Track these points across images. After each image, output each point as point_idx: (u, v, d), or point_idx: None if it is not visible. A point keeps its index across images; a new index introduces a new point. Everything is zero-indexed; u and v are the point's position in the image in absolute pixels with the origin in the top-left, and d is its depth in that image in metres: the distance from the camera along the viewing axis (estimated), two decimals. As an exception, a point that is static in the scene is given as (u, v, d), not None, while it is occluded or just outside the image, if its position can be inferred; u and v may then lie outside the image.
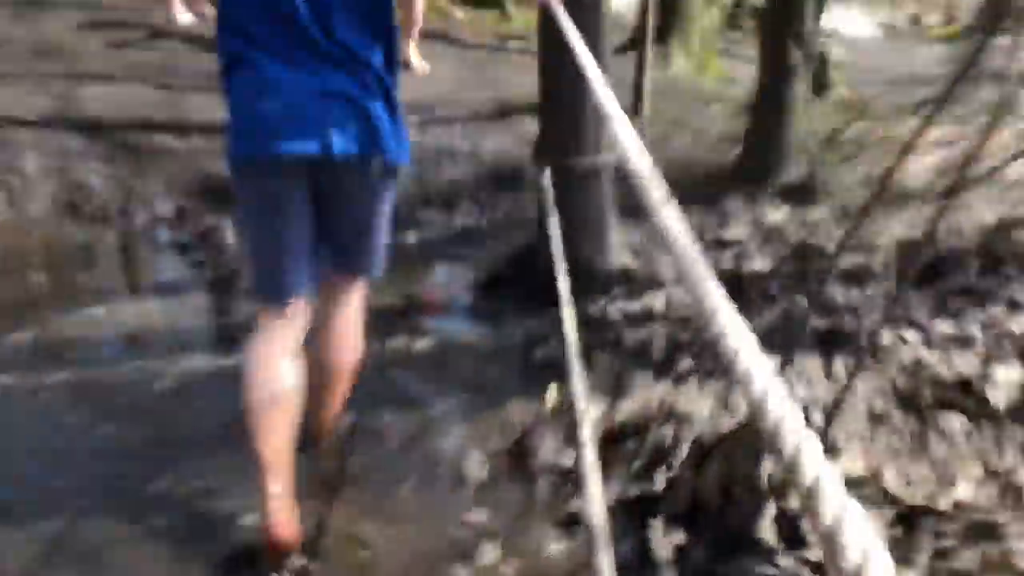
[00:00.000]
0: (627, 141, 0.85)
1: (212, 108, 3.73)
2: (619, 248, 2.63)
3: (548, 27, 2.30)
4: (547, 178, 2.36)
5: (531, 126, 3.87)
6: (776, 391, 0.48)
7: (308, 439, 1.66)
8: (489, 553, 1.56)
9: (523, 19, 7.11)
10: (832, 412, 1.76)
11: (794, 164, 3.51)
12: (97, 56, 4.18)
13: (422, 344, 2.34)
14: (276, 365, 1.54)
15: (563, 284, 1.66)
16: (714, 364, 2.00)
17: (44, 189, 3.22)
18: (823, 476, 0.42)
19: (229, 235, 3.03)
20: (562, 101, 2.40)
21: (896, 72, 6.16)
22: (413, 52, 3.85)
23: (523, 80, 3.75)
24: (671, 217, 0.68)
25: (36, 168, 3.27)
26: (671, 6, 6.01)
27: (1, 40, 4.23)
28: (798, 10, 3.37)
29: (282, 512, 1.51)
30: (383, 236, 1.67)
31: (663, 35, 5.79)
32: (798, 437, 0.45)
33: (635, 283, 2.57)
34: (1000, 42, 1.74)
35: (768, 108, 3.52)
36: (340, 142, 1.49)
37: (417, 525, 1.64)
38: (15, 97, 3.66)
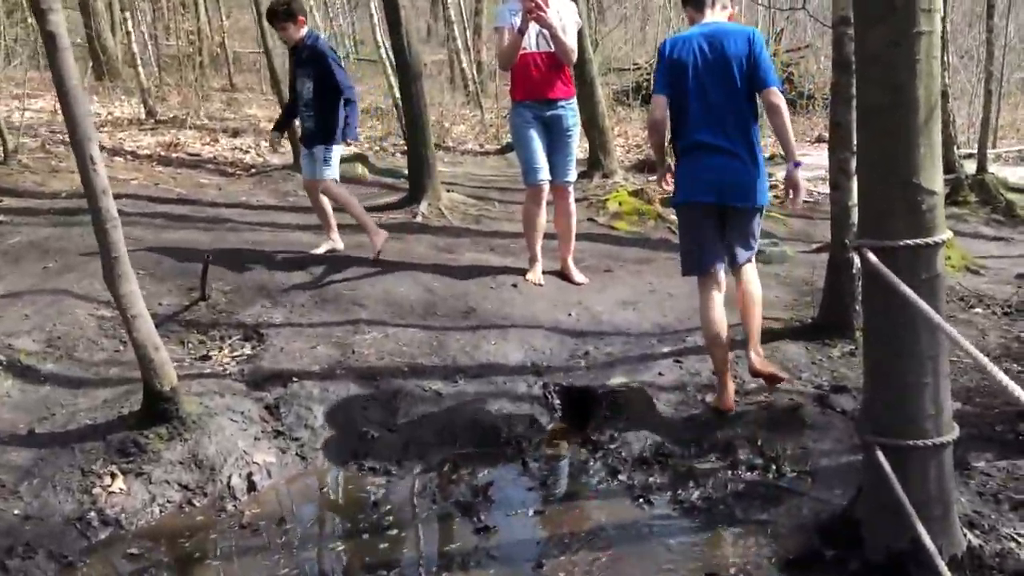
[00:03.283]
0: None
1: (473, 349, 3.87)
2: (959, 524, 2.31)
3: (873, 299, 2.17)
4: (877, 449, 2.15)
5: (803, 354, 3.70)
6: None
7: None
8: None
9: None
10: None
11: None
12: (369, 299, 4.47)
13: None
14: (713, 307, 3.25)
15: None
16: None
17: (330, 440, 3.36)
18: None
19: (508, 489, 2.99)
20: (898, 373, 2.19)
21: None
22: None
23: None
24: None
25: (322, 420, 3.45)
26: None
27: (287, 290, 4.63)
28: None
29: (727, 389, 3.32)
30: (756, 236, 3.33)
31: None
32: None
33: (985, 569, 2.22)
34: None
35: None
36: (731, 196, 3.17)
37: None
38: (302, 348, 3.95)
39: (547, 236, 4.83)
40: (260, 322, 4.26)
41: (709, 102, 3.11)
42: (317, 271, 4.88)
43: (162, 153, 8.41)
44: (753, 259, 3.36)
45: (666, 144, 3.36)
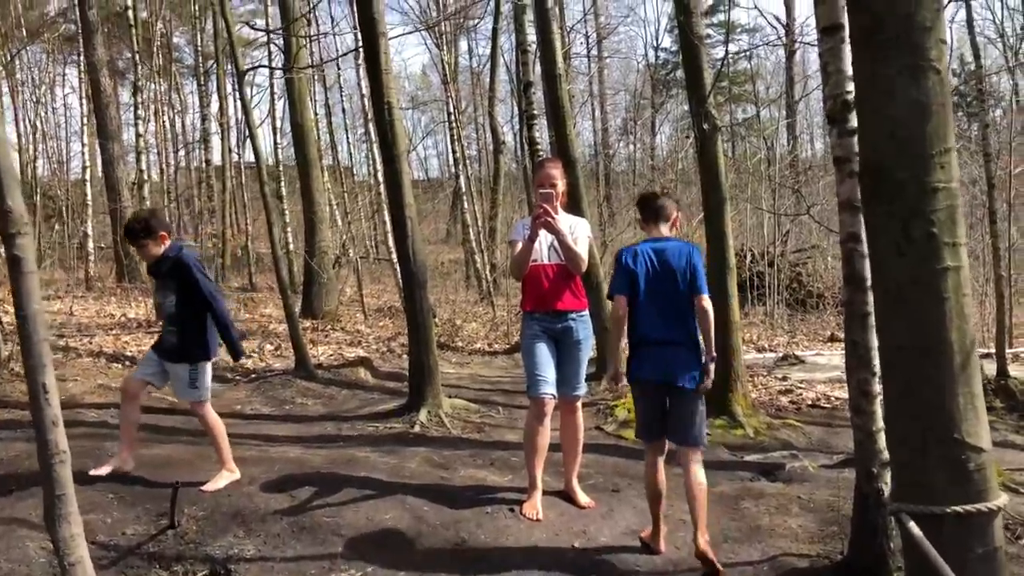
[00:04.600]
0: None
1: None
2: None
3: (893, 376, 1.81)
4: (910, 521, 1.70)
5: None
6: None
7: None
8: None
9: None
10: None
11: None
12: (350, 528, 4.07)
13: None
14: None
15: None
16: None
17: None
18: None
19: None
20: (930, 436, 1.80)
21: None
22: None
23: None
24: None
25: None
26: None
27: (263, 517, 4.25)
28: None
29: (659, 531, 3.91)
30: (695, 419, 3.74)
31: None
32: None
33: None
34: None
35: None
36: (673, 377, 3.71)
37: None
38: (268, 589, 3.52)
39: (552, 447, 4.49)
40: (230, 555, 3.85)
41: (657, 304, 3.82)
42: (299, 492, 4.51)
43: (162, 357, 8.28)
44: (698, 447, 3.81)
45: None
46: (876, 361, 3.29)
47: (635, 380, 3.90)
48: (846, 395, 8.77)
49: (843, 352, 11.67)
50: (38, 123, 22.68)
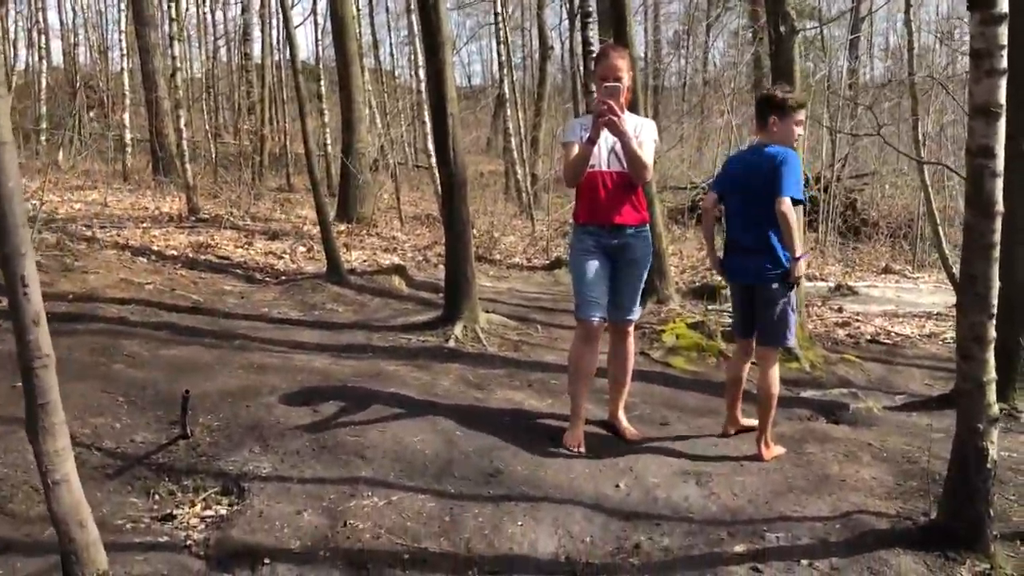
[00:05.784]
0: None
1: (493, 531, 2.99)
2: None
3: None
4: None
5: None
6: None
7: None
8: None
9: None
10: None
11: None
12: (376, 450, 3.74)
13: None
14: None
15: None
16: None
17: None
18: None
19: None
20: None
21: None
22: None
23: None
24: None
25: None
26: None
27: (282, 432, 3.94)
28: None
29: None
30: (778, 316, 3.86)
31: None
32: None
33: None
34: None
35: None
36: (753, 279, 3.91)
37: None
38: (286, 513, 3.21)
39: (598, 372, 4.09)
40: (244, 472, 3.55)
41: (740, 209, 3.93)
42: (323, 407, 4.19)
43: (190, 255, 7.98)
44: (774, 348, 4.00)
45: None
46: (995, 301, 2.80)
47: (728, 278, 4.21)
48: (906, 331, 8.32)
49: (897, 284, 11.00)
50: (78, 8, 22.12)
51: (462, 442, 3.84)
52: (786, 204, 3.67)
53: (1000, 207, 2.70)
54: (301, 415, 4.07)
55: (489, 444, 3.82)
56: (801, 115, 3.89)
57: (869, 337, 7.59)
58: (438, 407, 4.25)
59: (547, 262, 10.54)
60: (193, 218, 10.41)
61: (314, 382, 4.58)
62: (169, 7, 11.41)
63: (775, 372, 3.93)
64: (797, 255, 3.74)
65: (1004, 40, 2.61)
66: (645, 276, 4.07)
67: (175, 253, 7.92)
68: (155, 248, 7.97)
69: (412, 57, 15.88)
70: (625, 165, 3.80)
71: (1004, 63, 2.63)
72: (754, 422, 4.03)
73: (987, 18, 2.62)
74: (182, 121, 11.24)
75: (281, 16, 9.76)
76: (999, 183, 2.68)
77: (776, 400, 3.92)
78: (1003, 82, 2.63)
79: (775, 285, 3.82)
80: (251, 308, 6.44)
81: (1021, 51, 4.14)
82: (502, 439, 3.89)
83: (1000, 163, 2.67)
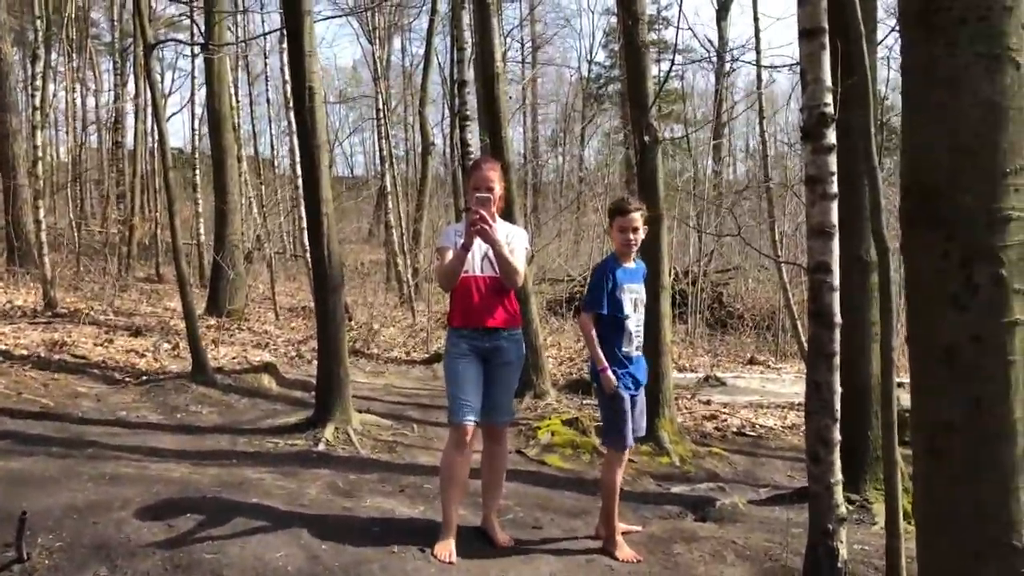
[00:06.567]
0: None
1: None
2: None
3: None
4: None
5: None
6: None
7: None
8: None
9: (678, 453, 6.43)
10: None
11: None
12: (234, 568, 3.52)
13: None
14: None
15: None
16: None
17: None
18: None
19: None
20: None
21: None
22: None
23: None
24: None
25: None
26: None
27: (133, 552, 3.67)
28: None
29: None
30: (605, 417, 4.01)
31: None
32: None
33: None
34: None
35: None
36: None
37: None
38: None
39: (473, 473, 4.03)
40: (85, 598, 3.26)
41: None
42: (179, 522, 3.93)
43: (43, 353, 7.48)
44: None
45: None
46: (839, 405, 2.97)
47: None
48: (770, 423, 8.68)
49: (762, 375, 11.49)
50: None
51: (327, 557, 3.68)
52: (581, 317, 3.87)
53: (838, 318, 2.89)
54: (155, 531, 3.80)
55: (356, 558, 3.68)
56: (627, 220, 3.87)
57: (735, 429, 7.87)
58: (304, 518, 4.07)
59: (427, 356, 10.48)
60: (49, 313, 9.82)
61: (171, 494, 4.31)
62: (33, 96, 10.97)
63: (612, 472, 3.95)
64: (599, 367, 3.80)
65: (834, 167, 2.86)
66: (517, 379, 4.10)
67: (25, 352, 7.40)
68: (2, 347, 7.43)
69: (291, 147, 15.85)
70: (497, 270, 3.88)
71: (835, 188, 2.87)
72: (629, 526, 4.08)
73: (819, 148, 2.88)
74: (41, 212, 10.69)
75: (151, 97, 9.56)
76: (836, 296, 2.89)
77: (613, 501, 3.95)
78: (835, 205, 2.88)
79: (595, 385, 3.95)
80: (107, 412, 6.06)
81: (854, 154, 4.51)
82: (370, 551, 3.75)
83: (836, 278, 2.88)
